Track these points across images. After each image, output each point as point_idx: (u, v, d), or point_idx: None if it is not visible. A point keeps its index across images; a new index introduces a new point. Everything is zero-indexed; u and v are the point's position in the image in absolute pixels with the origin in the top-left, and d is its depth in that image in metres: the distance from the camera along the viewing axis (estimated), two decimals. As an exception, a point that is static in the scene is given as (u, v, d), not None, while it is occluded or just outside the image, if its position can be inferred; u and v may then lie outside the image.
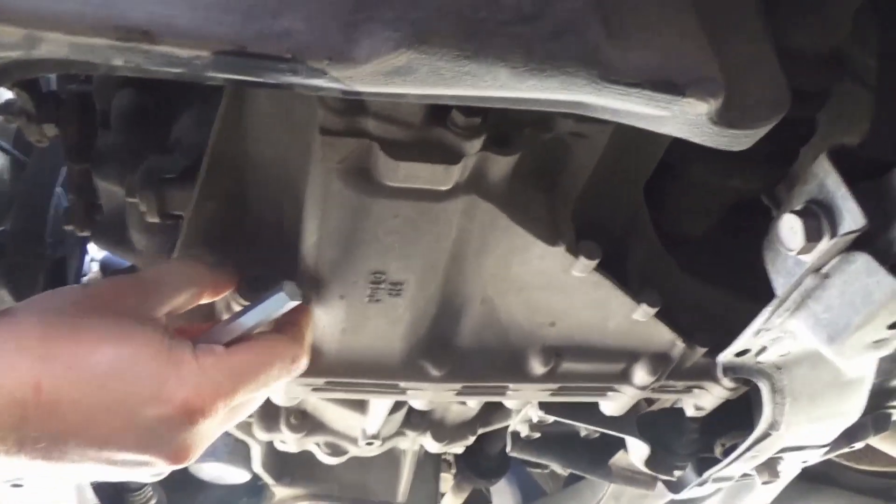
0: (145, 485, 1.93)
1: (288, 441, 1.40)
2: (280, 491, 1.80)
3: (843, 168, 0.64)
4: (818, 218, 0.66)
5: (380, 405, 1.20)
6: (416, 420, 1.41)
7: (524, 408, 1.28)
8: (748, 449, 1.01)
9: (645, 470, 1.24)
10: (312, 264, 0.77)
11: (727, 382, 0.99)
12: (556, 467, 1.72)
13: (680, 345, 0.92)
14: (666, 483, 1.24)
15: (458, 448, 1.50)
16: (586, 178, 0.79)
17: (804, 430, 0.97)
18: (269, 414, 1.33)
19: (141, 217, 0.88)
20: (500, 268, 0.81)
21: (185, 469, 1.89)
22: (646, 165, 0.85)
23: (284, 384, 0.91)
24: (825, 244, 0.66)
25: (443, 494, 2.04)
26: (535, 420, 1.30)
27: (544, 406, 1.14)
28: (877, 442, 1.45)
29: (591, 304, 0.86)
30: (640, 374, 0.95)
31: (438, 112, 0.64)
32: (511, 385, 0.96)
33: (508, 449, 1.43)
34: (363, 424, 1.32)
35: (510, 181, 0.72)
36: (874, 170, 0.66)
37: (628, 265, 0.91)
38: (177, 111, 0.96)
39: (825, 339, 0.72)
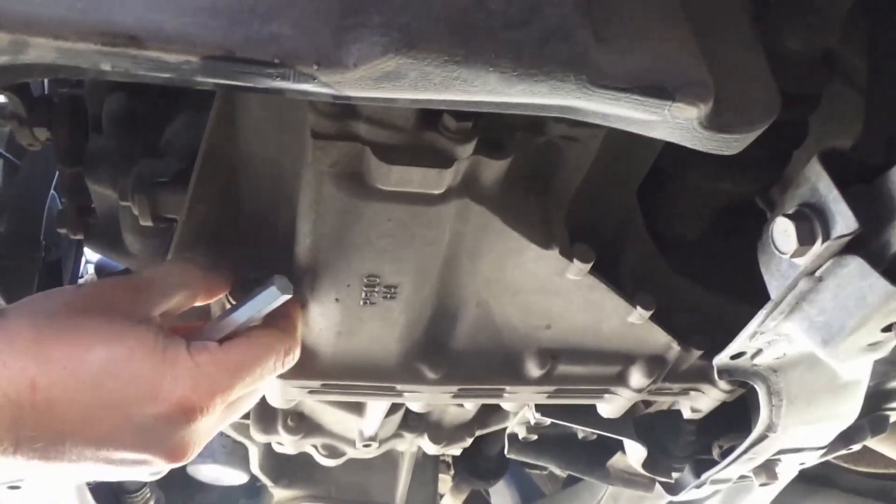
0: (143, 486, 1.93)
1: (285, 443, 1.40)
2: (278, 492, 1.80)
3: (834, 171, 0.64)
4: (811, 221, 0.65)
5: (377, 407, 1.20)
6: (413, 422, 1.41)
7: (521, 410, 1.28)
8: (746, 451, 1.01)
9: (642, 472, 1.24)
10: (306, 267, 0.77)
11: (723, 385, 0.99)
12: (555, 469, 1.72)
13: (675, 347, 0.91)
14: (664, 485, 1.24)
15: (456, 450, 1.50)
16: (579, 182, 0.79)
17: (801, 432, 0.97)
18: (267, 416, 1.33)
19: (134, 220, 0.88)
20: (494, 271, 0.81)
21: (184, 470, 1.89)
22: (638, 169, 0.85)
23: (281, 386, 0.91)
24: (818, 247, 0.66)
25: (441, 496, 2.04)
26: (532, 422, 1.30)
27: (541, 408, 1.14)
28: (874, 444, 1.45)
29: (586, 307, 0.86)
30: (637, 377, 0.95)
31: (430, 116, 0.63)
32: (507, 387, 0.96)
33: (506, 451, 1.43)
34: (360, 426, 1.32)
35: (503, 185, 0.72)
36: (866, 173, 0.66)
37: (622, 268, 0.91)
38: (168, 115, 0.96)
39: (820, 342, 0.72)
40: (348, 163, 0.66)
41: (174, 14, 0.49)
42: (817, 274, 0.68)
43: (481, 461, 1.90)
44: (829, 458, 1.12)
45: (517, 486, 2.19)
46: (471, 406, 1.34)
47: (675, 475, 1.22)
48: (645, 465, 1.21)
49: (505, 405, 1.09)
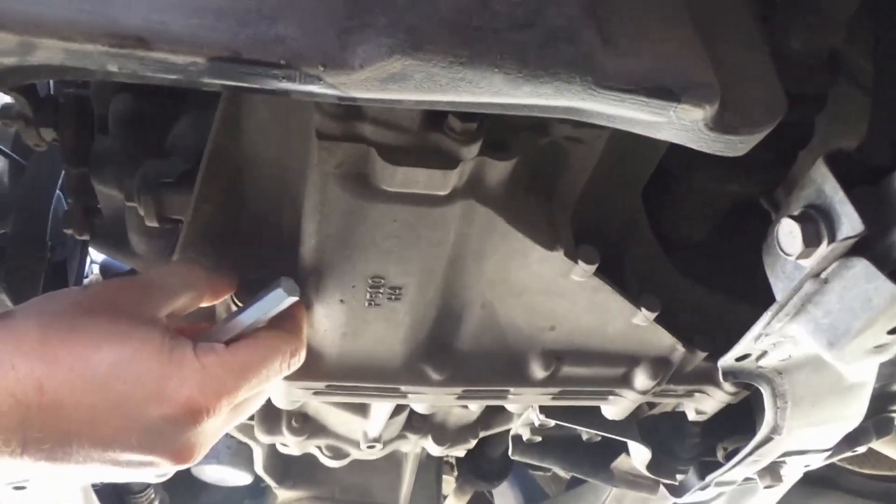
0: (148, 486, 1.93)
1: (290, 444, 1.40)
2: (282, 493, 1.80)
3: (840, 173, 0.64)
4: (816, 223, 0.65)
5: (381, 409, 1.20)
6: (417, 423, 1.41)
7: (526, 411, 1.28)
8: (750, 453, 1.00)
9: (647, 474, 1.23)
10: (311, 268, 0.77)
11: (728, 387, 0.98)
12: (559, 470, 1.72)
13: (680, 349, 0.91)
14: (668, 487, 1.24)
15: (460, 451, 1.50)
16: (584, 183, 0.79)
17: (806, 434, 0.97)
18: (271, 417, 1.34)
19: (140, 221, 0.88)
20: (499, 272, 0.81)
21: (188, 471, 1.89)
22: (643, 170, 0.85)
23: (285, 387, 0.91)
24: (824, 249, 0.65)
25: (445, 497, 2.04)
26: (536, 423, 1.30)
27: (545, 410, 1.14)
28: (879, 446, 1.44)
29: (591, 309, 0.86)
30: (641, 379, 0.95)
31: (435, 117, 0.63)
32: (512, 389, 0.96)
33: (510, 452, 1.43)
34: (364, 428, 1.33)
35: (508, 186, 0.72)
36: (872, 174, 0.66)
37: (627, 269, 0.91)
38: (174, 115, 0.96)
39: (825, 345, 0.71)
40: (353, 164, 0.66)
41: (181, 16, 0.49)
42: (823, 276, 0.68)
43: (485, 462, 1.90)
44: (834, 460, 1.12)
45: (521, 488, 2.19)
46: (475, 407, 1.34)
47: (679, 477, 1.21)
48: (649, 466, 1.21)
49: (509, 407, 1.09)
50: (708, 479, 1.13)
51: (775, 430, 0.94)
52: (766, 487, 1.10)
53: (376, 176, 0.66)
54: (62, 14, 0.47)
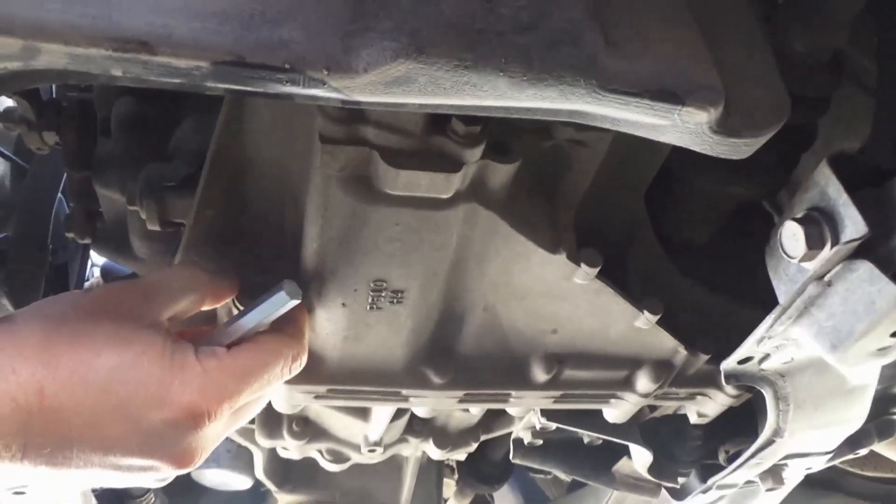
0: (148, 491, 1.93)
1: (290, 448, 1.39)
2: (282, 497, 1.80)
3: (843, 175, 0.64)
4: (820, 225, 0.65)
5: (382, 412, 1.20)
6: (418, 427, 1.41)
7: (527, 415, 1.28)
8: (752, 456, 1.00)
9: (648, 477, 1.23)
10: (313, 271, 0.77)
11: (730, 390, 0.98)
12: (560, 473, 1.72)
13: (682, 352, 0.91)
14: (669, 490, 1.24)
15: (461, 454, 1.50)
16: (587, 186, 0.79)
17: (808, 436, 0.97)
18: (272, 421, 1.33)
19: (142, 225, 0.88)
20: (501, 275, 0.81)
21: (188, 475, 1.89)
22: (646, 173, 0.85)
23: (286, 391, 0.91)
24: (827, 252, 0.65)
25: (446, 500, 2.04)
26: (538, 427, 1.30)
27: (547, 413, 1.14)
28: (881, 448, 1.44)
29: (593, 312, 0.86)
30: (643, 382, 0.95)
31: (438, 120, 0.63)
32: (513, 392, 0.95)
33: (511, 455, 1.43)
34: (365, 431, 1.32)
35: (511, 189, 0.72)
36: (875, 176, 0.65)
37: (630, 272, 0.91)
38: (177, 119, 0.96)
39: (828, 347, 0.71)
40: (356, 167, 0.66)
41: (185, 20, 0.49)
42: (826, 278, 0.68)
43: (486, 465, 1.89)
44: (836, 462, 1.12)
45: (521, 491, 2.19)
46: (476, 411, 1.34)
47: (680, 480, 1.21)
48: (651, 470, 1.21)
49: (510, 410, 1.09)
50: (709, 482, 1.12)
51: (777, 432, 0.94)
52: (768, 490, 1.10)
53: (379, 179, 0.66)
54: (65, 18, 0.47)
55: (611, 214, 0.88)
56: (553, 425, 1.19)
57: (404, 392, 0.93)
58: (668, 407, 1.16)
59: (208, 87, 0.51)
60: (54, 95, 1.13)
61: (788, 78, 0.61)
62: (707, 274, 0.95)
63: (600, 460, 1.41)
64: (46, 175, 1.46)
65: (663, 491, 1.28)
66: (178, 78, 0.50)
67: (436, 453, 1.46)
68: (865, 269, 0.65)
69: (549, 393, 0.96)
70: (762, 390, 0.89)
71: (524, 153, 0.69)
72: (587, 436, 1.38)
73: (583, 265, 0.79)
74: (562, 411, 1.11)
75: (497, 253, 0.78)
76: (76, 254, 1.57)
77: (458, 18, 0.51)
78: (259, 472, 1.70)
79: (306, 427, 1.35)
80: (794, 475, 1.10)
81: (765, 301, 0.75)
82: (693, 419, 1.08)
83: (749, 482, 1.12)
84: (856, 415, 0.95)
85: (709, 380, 0.98)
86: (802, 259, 0.67)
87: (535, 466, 1.47)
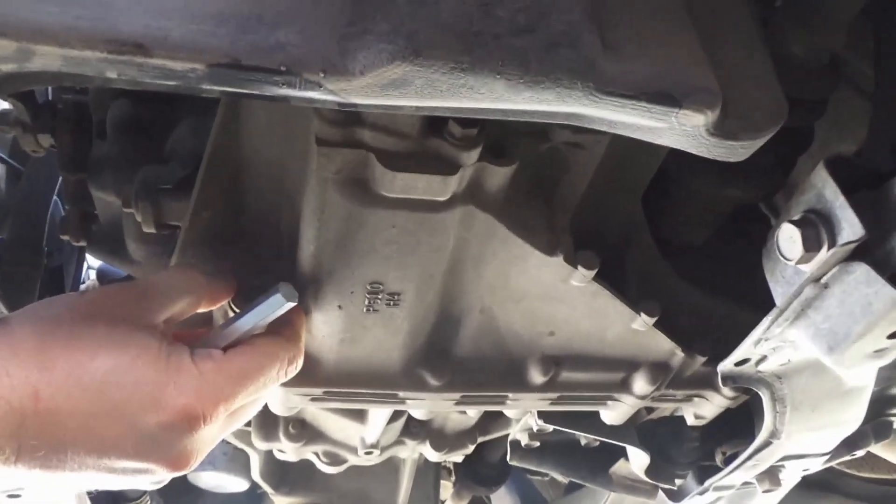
0: (143, 493, 1.93)
1: (287, 450, 1.39)
2: (279, 500, 1.79)
3: (840, 177, 0.64)
4: (817, 228, 0.65)
5: (379, 414, 1.20)
6: (415, 429, 1.41)
7: (524, 417, 1.28)
8: (749, 457, 1.00)
9: (645, 478, 1.23)
10: (310, 273, 0.77)
11: (727, 391, 0.98)
12: (557, 475, 1.72)
13: (679, 354, 0.91)
14: (667, 492, 1.24)
15: (458, 456, 1.50)
16: (584, 188, 0.79)
17: (805, 438, 0.97)
18: (268, 423, 1.33)
19: (137, 227, 0.88)
20: (498, 278, 0.81)
21: (184, 477, 1.89)
22: (643, 175, 0.85)
23: (283, 394, 0.91)
24: (824, 254, 0.65)
25: (443, 502, 2.04)
26: (535, 429, 1.30)
27: (544, 415, 1.14)
28: (878, 449, 1.44)
29: (590, 314, 0.86)
30: (640, 384, 0.95)
31: (435, 123, 0.63)
32: (510, 394, 0.95)
33: (508, 457, 1.43)
34: (362, 434, 1.32)
35: (507, 191, 0.72)
36: (872, 179, 0.66)
37: (627, 274, 0.91)
38: (172, 121, 0.96)
39: (825, 349, 0.71)
40: (353, 170, 0.66)
41: (181, 22, 0.49)
42: (823, 280, 0.68)
43: (483, 467, 1.89)
44: (833, 463, 1.12)
45: (519, 492, 2.19)
46: (473, 413, 1.34)
47: (678, 482, 1.21)
48: (648, 471, 1.21)
49: (508, 412, 1.09)
50: (706, 483, 1.12)
51: (774, 434, 0.94)
52: (765, 492, 1.10)
53: (376, 182, 0.66)
54: (61, 21, 0.47)
55: (608, 217, 0.88)
56: (550, 427, 1.19)
57: (401, 394, 0.93)
58: (666, 409, 1.16)
59: (204, 90, 0.51)
60: (50, 98, 1.12)
61: (786, 80, 0.61)
62: (704, 276, 0.95)
63: (597, 462, 1.41)
64: (42, 178, 1.46)
65: (660, 493, 1.28)
66: (173, 80, 0.50)
67: (433, 455, 1.46)
68: (862, 271, 0.65)
69: (546, 395, 0.96)
70: (759, 392, 0.89)
71: (521, 156, 0.69)
72: (584, 438, 1.38)
73: (580, 267, 0.79)
74: (559, 413, 1.11)
75: (494, 255, 0.78)
76: (71, 256, 1.57)
77: (455, 21, 0.51)
78: (255, 475, 1.69)
79: (303, 429, 1.35)
80: (791, 477, 1.10)
81: (762, 303, 0.75)
82: (690, 421, 1.08)
83: (746, 484, 1.12)
84: (853, 416, 0.95)
85: (706, 382, 0.98)
86: (799, 261, 0.67)
87: (533, 468, 1.47)
